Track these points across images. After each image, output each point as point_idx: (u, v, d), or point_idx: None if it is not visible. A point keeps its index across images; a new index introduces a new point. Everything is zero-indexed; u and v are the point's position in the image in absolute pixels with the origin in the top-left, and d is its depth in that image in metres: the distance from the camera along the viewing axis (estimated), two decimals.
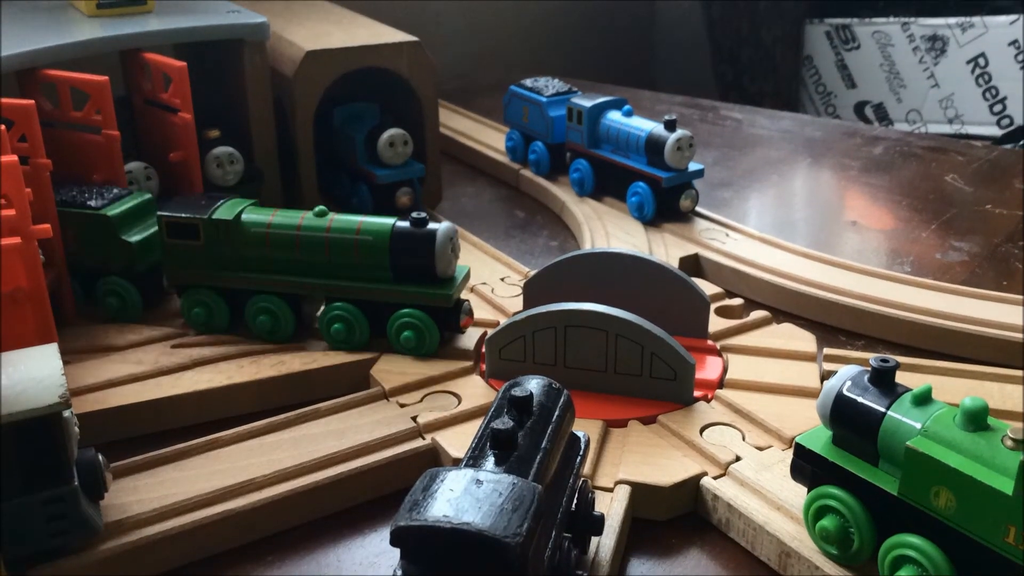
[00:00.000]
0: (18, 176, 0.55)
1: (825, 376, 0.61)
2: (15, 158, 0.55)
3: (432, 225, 0.61)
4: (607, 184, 0.91)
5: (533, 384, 0.45)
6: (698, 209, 0.87)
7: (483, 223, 0.92)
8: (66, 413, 0.42)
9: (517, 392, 0.42)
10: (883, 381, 0.44)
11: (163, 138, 0.77)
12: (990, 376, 0.60)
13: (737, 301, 0.71)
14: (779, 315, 0.71)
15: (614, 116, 0.89)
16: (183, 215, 0.62)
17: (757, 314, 0.68)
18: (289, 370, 0.61)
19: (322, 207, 0.63)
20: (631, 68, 2.06)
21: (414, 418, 0.56)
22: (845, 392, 0.44)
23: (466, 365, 0.61)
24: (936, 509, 0.40)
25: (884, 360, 0.44)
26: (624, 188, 0.87)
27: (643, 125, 0.86)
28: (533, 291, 0.66)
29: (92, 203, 0.66)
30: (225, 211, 0.63)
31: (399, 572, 0.35)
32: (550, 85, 1.00)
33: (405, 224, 0.61)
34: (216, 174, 0.79)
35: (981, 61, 1.70)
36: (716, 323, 0.66)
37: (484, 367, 0.61)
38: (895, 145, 1.19)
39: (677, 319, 0.63)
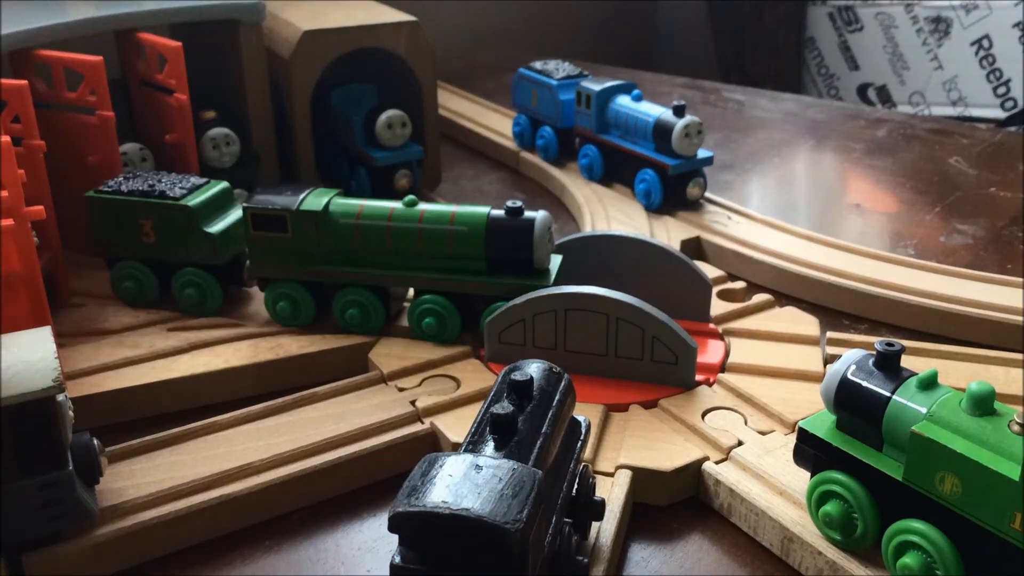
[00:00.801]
0: (11, 157, 0.54)
1: (828, 360, 0.60)
2: (8, 139, 0.54)
3: (528, 214, 0.59)
4: (616, 170, 0.89)
5: (533, 368, 0.44)
6: None
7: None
8: (60, 397, 0.42)
9: (517, 376, 0.42)
10: (888, 365, 0.43)
11: (158, 119, 0.77)
12: (994, 360, 0.60)
13: (739, 284, 0.70)
14: (782, 298, 0.71)
15: (623, 101, 0.87)
16: (270, 207, 0.60)
17: (759, 297, 0.68)
18: (287, 353, 0.60)
19: (412, 196, 0.61)
20: (632, 49, 2.05)
21: (413, 402, 0.55)
22: (850, 376, 0.43)
23: (465, 349, 0.61)
24: (941, 495, 0.39)
25: (889, 344, 0.43)
26: (632, 175, 0.85)
27: (651, 110, 0.84)
28: None
29: (170, 193, 0.64)
30: (312, 202, 0.61)
31: (397, 558, 0.34)
32: (560, 68, 0.97)
33: (500, 213, 0.60)
34: (212, 156, 0.78)
35: (985, 43, 1.69)
36: (718, 306, 0.66)
37: (483, 351, 0.60)
38: (898, 127, 1.18)
39: (679, 302, 0.62)
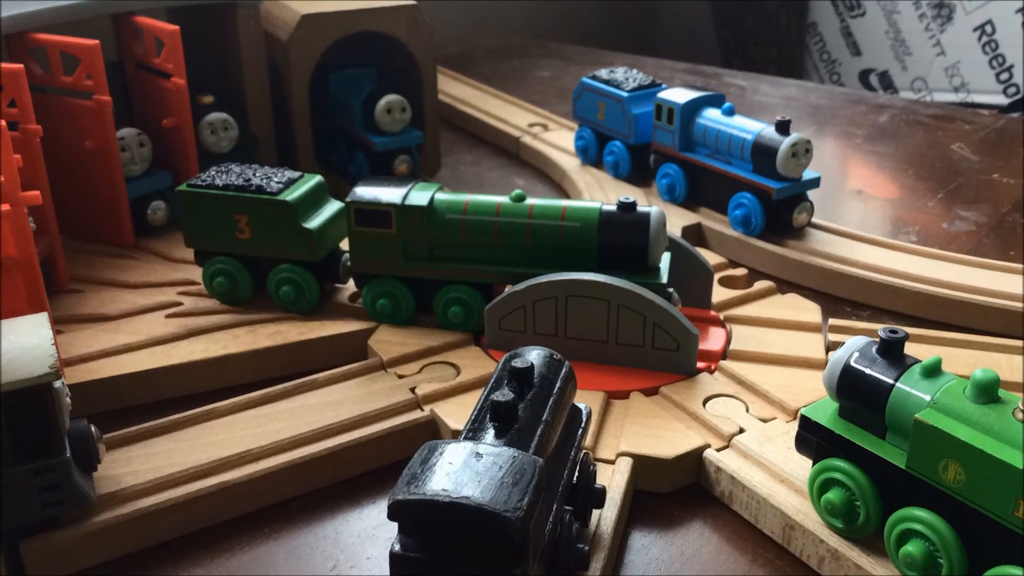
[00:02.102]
0: (7, 142, 0.53)
1: (830, 347, 0.60)
2: (4, 123, 0.54)
3: (642, 209, 0.58)
4: (703, 192, 0.79)
5: (534, 355, 0.44)
6: None
7: (482, 192, 0.90)
8: (57, 383, 0.42)
9: (517, 363, 0.41)
10: (892, 352, 0.43)
11: (156, 104, 0.76)
12: (997, 347, 0.60)
13: (741, 271, 0.70)
14: (783, 285, 0.70)
15: (712, 115, 0.78)
16: (375, 202, 0.59)
17: (761, 284, 0.67)
18: (286, 340, 0.60)
19: (519, 191, 0.59)
20: (633, 33, 2.04)
21: (412, 389, 0.55)
22: (853, 363, 0.43)
23: (465, 335, 0.60)
24: (944, 483, 0.39)
25: (893, 331, 0.43)
26: (724, 198, 0.76)
27: (748, 126, 0.75)
28: None
29: (267, 188, 0.61)
30: (418, 197, 0.59)
31: (397, 546, 0.34)
32: (630, 77, 0.88)
33: (612, 208, 0.58)
34: (210, 141, 0.77)
35: (988, 28, 1.68)
36: (719, 293, 0.65)
37: (483, 337, 0.60)
38: (901, 113, 1.17)
39: (680, 289, 0.62)
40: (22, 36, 0.70)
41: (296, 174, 0.64)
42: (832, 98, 1.25)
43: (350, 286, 0.66)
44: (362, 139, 0.84)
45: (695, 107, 0.79)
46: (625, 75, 0.89)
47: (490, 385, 0.42)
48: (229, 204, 0.62)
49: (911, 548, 0.40)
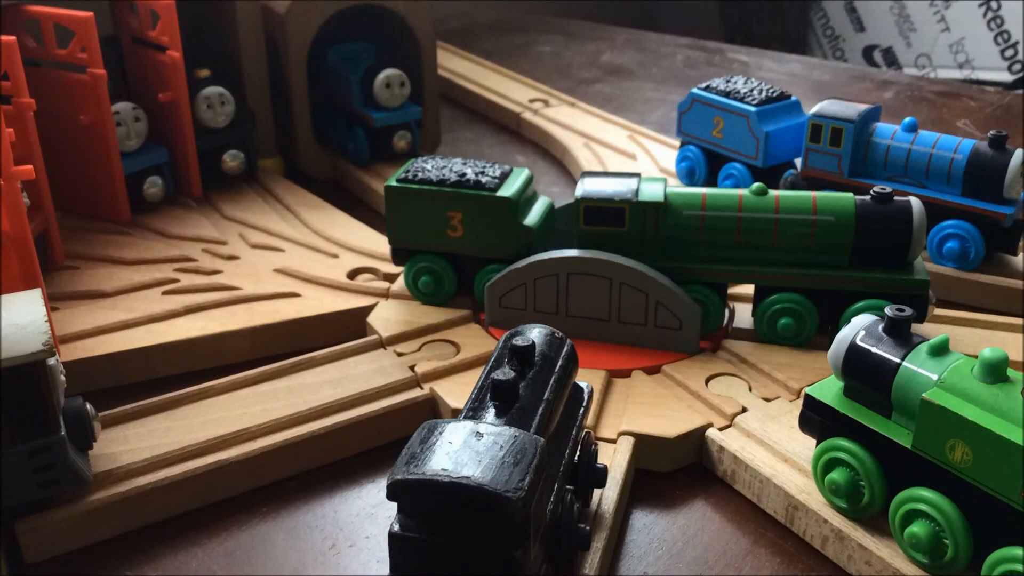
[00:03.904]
0: None
1: None
2: None
3: (900, 199, 0.54)
4: None
5: (535, 333, 0.43)
6: None
7: None
8: (51, 361, 0.41)
9: (518, 341, 0.41)
10: (898, 331, 0.42)
11: (152, 78, 0.75)
12: (1002, 326, 0.59)
13: None
14: None
15: (891, 132, 0.69)
16: (607, 198, 0.55)
17: None
18: (284, 317, 0.59)
19: (760, 184, 0.56)
20: (635, 8, 2.02)
21: (412, 367, 0.54)
22: (859, 342, 0.42)
23: (465, 313, 0.60)
24: (951, 463, 0.39)
25: (900, 309, 0.42)
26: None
27: (950, 143, 0.66)
28: None
29: (485, 183, 0.58)
30: (650, 192, 0.56)
31: (396, 526, 0.34)
32: (754, 88, 0.77)
33: (866, 199, 0.54)
34: (207, 115, 0.76)
35: (993, 4, 1.67)
36: None
37: (483, 315, 0.59)
38: (906, 89, 1.16)
39: None
40: (15, 8, 0.69)
41: (506, 168, 0.61)
42: (836, 74, 1.24)
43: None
44: (361, 114, 0.83)
45: (865, 124, 0.70)
46: (747, 85, 0.78)
47: (491, 364, 0.42)
48: (444, 201, 0.58)
49: (916, 529, 0.40)
